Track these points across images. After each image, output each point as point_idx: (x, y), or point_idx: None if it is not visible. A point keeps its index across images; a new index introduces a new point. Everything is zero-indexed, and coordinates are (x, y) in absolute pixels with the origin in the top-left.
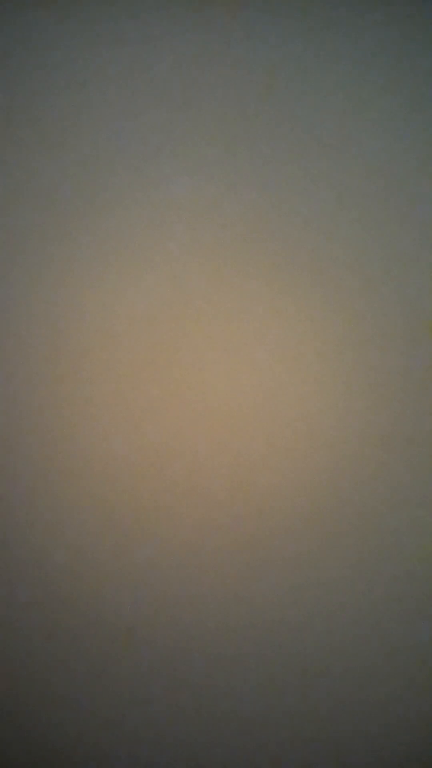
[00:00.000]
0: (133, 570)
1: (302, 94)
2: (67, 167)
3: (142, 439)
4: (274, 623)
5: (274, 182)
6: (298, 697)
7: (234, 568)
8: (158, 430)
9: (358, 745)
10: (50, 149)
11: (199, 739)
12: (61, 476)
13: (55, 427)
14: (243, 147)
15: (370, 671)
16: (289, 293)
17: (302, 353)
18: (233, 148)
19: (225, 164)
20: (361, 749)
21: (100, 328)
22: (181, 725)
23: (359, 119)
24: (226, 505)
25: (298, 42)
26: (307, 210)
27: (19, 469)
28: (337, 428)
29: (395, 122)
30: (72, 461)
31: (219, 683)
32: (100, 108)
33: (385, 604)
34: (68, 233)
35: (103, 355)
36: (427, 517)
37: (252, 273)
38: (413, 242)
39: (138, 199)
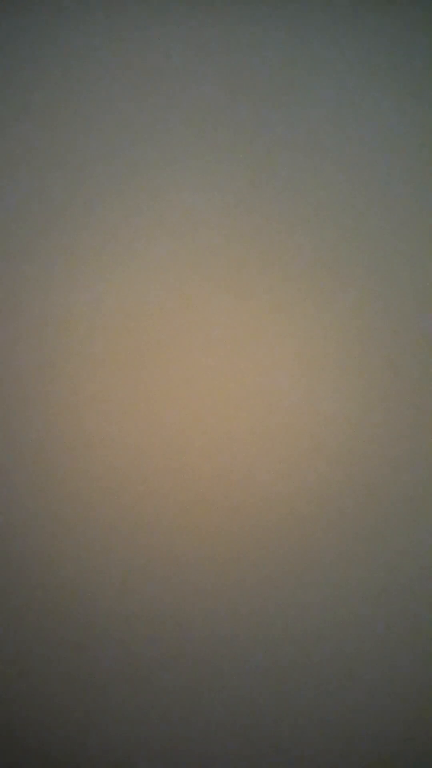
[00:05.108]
0: (133, 579)
1: (304, 96)
2: (65, 164)
3: (137, 443)
4: (276, 632)
5: (275, 182)
6: (299, 702)
7: (234, 573)
8: (152, 432)
9: (361, 751)
10: (47, 147)
11: (199, 750)
12: (60, 485)
13: (51, 429)
14: (243, 147)
15: (370, 675)
16: (290, 292)
17: (303, 354)
18: (233, 147)
19: (224, 163)
20: (363, 754)
21: (95, 325)
22: (181, 736)
23: (361, 121)
24: (225, 509)
25: (299, 44)
26: (309, 212)
27: (17, 472)
28: (338, 431)
29: (398, 123)
30: (69, 464)
31: (220, 692)
32: (100, 103)
33: (387, 609)
34: (65, 230)
35: (98, 355)
36: (429, 524)
37: (252, 271)
38: (417, 245)
39: (137, 197)
